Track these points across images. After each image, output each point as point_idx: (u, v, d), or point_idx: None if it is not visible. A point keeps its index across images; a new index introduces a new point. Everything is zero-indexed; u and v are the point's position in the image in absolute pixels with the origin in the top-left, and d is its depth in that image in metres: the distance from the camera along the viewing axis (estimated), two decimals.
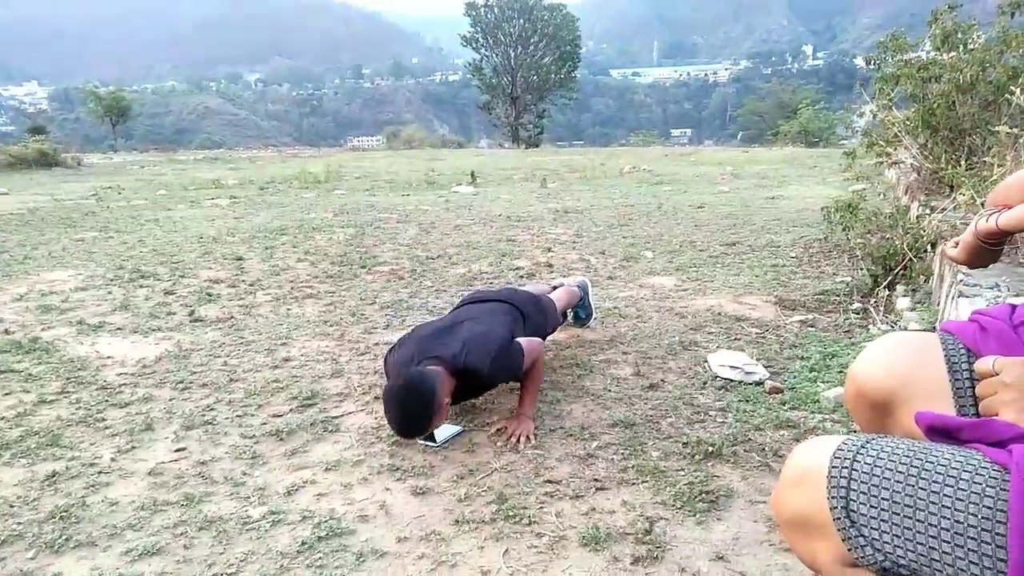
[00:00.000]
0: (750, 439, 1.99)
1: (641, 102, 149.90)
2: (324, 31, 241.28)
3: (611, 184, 9.40)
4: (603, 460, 1.90)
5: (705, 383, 2.41)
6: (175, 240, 5.43)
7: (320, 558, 1.51)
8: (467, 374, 2.01)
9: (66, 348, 2.94)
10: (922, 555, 0.70)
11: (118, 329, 3.21)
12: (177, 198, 8.66)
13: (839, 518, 0.75)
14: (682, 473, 1.81)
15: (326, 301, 3.64)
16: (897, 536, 0.71)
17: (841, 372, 2.45)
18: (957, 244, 1.25)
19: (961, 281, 2.52)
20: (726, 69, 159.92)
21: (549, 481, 1.80)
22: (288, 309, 3.51)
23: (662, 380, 2.45)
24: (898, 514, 0.72)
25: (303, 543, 1.56)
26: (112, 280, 4.13)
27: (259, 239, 5.36)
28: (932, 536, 0.69)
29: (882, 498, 0.73)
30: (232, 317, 3.37)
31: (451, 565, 1.48)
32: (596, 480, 1.79)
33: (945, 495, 0.70)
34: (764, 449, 1.93)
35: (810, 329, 2.97)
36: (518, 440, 2.00)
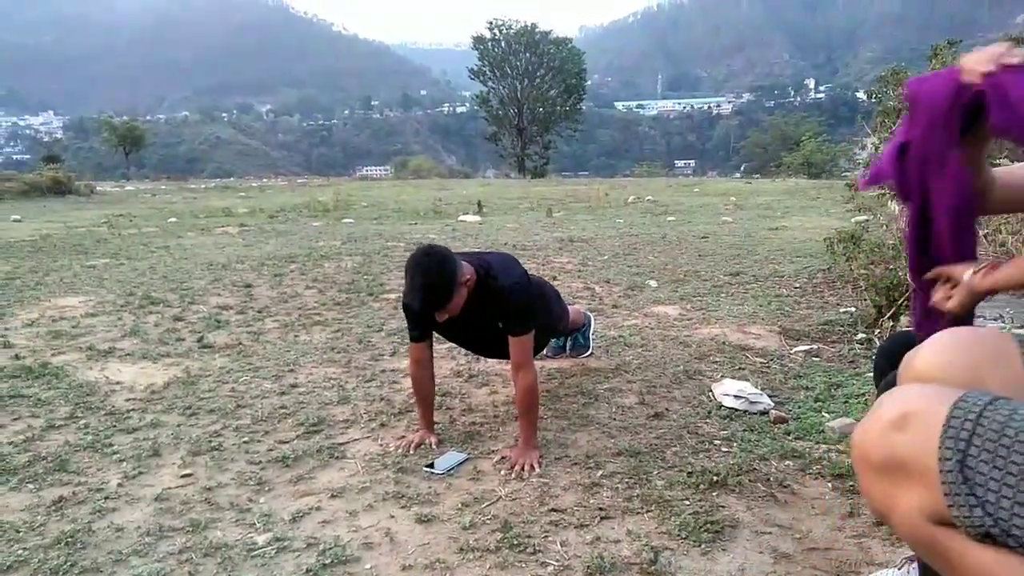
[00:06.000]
0: (755, 469, 1.98)
1: (645, 134, 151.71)
2: (333, 63, 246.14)
3: (616, 214, 9.47)
4: (608, 489, 1.90)
5: (710, 412, 2.41)
6: (185, 267, 5.49)
7: None
8: (486, 279, 2.10)
9: (76, 373, 2.97)
10: None
11: (127, 355, 3.24)
12: (188, 226, 8.77)
13: (950, 471, 0.68)
14: (687, 503, 1.81)
15: (333, 328, 3.67)
16: (1021, 504, 0.65)
17: (846, 402, 2.45)
18: (950, 297, 1.25)
19: None
20: (729, 102, 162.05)
21: (554, 510, 1.80)
22: (296, 336, 3.54)
23: (667, 409, 2.45)
24: None
25: (308, 570, 1.56)
26: (122, 306, 4.18)
27: (268, 266, 5.42)
28: None
29: (1011, 461, 0.66)
30: (240, 343, 3.40)
31: None
32: (601, 509, 1.79)
33: None
34: (769, 479, 1.93)
35: (814, 359, 2.97)
36: (523, 469, 2.00)
